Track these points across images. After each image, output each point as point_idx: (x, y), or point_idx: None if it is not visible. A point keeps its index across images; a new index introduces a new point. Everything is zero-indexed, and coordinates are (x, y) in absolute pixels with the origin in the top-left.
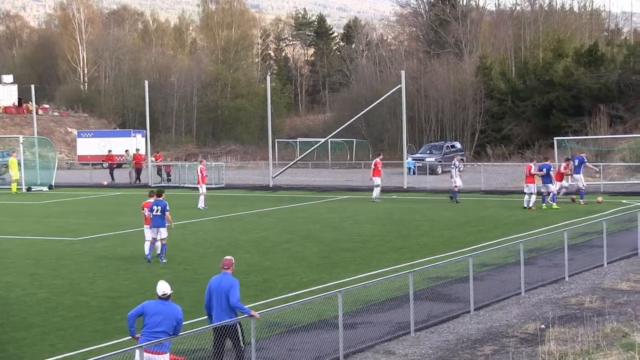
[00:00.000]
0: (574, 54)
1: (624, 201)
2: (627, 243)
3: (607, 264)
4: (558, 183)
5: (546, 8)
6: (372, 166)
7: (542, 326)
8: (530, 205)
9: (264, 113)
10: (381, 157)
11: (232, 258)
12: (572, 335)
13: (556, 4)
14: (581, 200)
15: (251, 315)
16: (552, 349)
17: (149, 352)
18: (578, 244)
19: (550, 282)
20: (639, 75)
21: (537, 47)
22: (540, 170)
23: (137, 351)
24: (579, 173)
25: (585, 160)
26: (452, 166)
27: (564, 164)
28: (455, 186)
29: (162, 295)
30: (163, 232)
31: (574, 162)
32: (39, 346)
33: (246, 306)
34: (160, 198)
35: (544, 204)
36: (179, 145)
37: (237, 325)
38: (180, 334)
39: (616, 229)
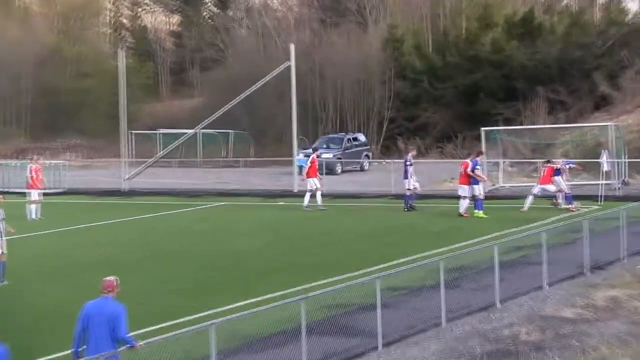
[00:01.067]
0: (504, 24)
1: (566, 207)
2: (572, 259)
3: (548, 285)
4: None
5: None
6: (309, 164)
7: None
8: (462, 211)
9: (116, 98)
10: (318, 152)
11: (116, 279)
12: None
13: None
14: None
15: (133, 347)
16: None
17: None
18: (512, 260)
19: (477, 309)
20: (584, 50)
21: (460, 15)
22: (475, 168)
23: None
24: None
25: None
26: (407, 163)
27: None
28: (409, 189)
29: None
30: None
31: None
32: None
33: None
34: None
35: (476, 210)
36: (5, 139)
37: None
38: None
39: (558, 241)
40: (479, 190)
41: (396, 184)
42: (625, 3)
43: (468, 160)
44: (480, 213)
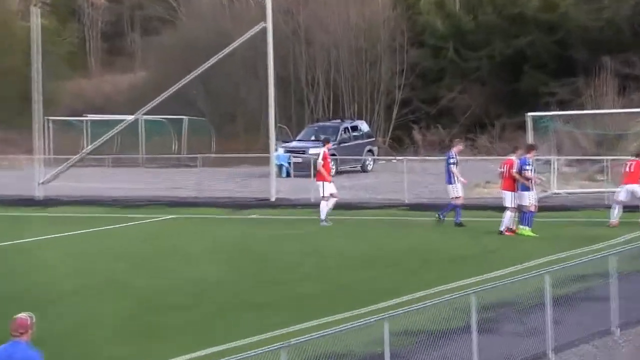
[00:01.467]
0: None
1: None
2: None
3: (619, 329)
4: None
5: None
6: (321, 160)
7: None
8: (504, 228)
9: (29, 72)
10: (330, 145)
11: (30, 316)
12: None
13: None
14: None
15: None
16: None
17: None
18: (569, 295)
19: None
20: None
21: None
22: (523, 168)
23: None
24: None
25: None
26: (450, 161)
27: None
28: (456, 197)
29: None
30: None
31: None
32: None
33: None
34: None
35: (522, 226)
36: None
37: None
38: None
39: (633, 269)
40: (530, 199)
41: (410, 188)
42: None
43: (514, 157)
44: (526, 230)
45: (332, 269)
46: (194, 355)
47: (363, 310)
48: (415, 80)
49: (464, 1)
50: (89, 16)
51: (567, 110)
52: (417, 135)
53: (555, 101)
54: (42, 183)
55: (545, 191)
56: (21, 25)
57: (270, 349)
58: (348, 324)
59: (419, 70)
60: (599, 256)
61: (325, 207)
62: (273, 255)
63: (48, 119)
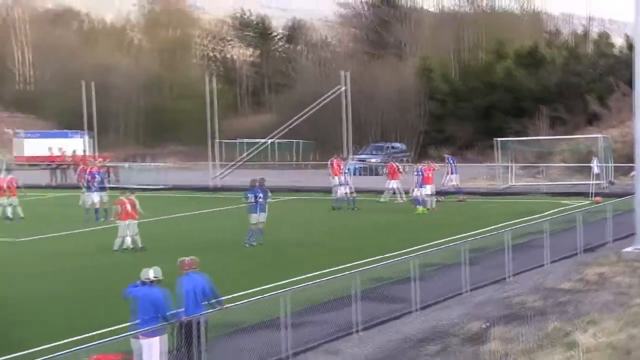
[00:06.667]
0: (514, 56)
1: (564, 202)
2: (569, 244)
3: (550, 263)
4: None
5: (487, 10)
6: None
7: (485, 325)
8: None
9: (205, 114)
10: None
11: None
12: (515, 334)
13: (497, 5)
14: None
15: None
16: (495, 348)
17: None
18: (520, 244)
19: (493, 282)
20: (579, 77)
21: (479, 49)
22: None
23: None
24: None
25: None
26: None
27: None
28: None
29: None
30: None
31: None
32: None
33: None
34: None
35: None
36: (120, 147)
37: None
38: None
39: (558, 229)
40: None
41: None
42: (613, 38)
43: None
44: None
45: (373, 232)
46: (306, 276)
47: (397, 252)
48: (430, 119)
49: (459, 73)
50: (242, 82)
51: (519, 137)
52: (432, 152)
53: (512, 131)
54: (215, 178)
55: (507, 184)
56: (201, 87)
57: (349, 273)
58: (390, 260)
59: (432, 114)
60: (537, 222)
61: (338, 192)
62: (347, 224)
63: (220, 142)
